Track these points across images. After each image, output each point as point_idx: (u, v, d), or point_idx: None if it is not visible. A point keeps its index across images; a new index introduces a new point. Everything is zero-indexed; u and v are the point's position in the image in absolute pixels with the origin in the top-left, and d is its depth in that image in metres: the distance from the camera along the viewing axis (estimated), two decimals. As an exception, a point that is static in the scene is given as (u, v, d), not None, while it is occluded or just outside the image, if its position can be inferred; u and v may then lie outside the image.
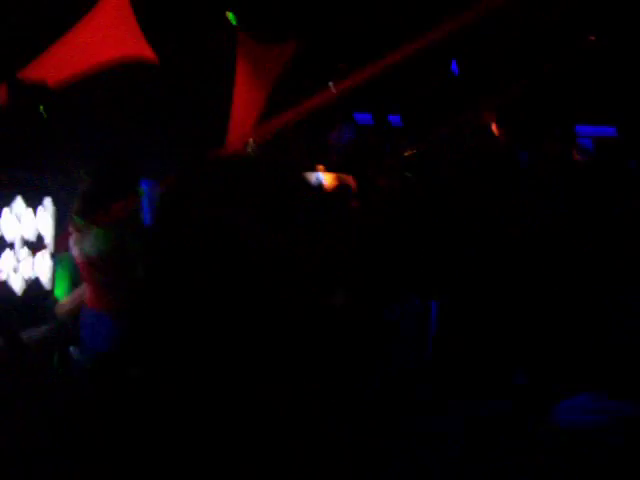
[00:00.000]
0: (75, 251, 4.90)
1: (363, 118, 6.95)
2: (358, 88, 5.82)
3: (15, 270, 5.37)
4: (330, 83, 5.96)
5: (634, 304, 4.09)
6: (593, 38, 5.48)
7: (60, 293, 5.70)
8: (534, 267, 4.43)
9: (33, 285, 5.71)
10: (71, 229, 5.24)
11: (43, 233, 5.85)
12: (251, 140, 6.30)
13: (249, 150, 6.14)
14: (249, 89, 6.97)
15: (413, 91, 6.49)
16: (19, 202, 5.59)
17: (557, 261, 4.42)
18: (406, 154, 6.07)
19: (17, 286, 5.57)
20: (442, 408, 4.10)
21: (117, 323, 4.41)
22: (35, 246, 5.70)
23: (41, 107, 6.36)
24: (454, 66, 6.09)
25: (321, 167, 6.40)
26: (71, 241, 4.97)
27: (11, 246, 5.50)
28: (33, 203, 5.73)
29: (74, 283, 5.67)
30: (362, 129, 6.79)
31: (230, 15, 7.24)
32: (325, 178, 6.04)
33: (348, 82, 5.73)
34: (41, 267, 5.83)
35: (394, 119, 6.71)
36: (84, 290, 4.96)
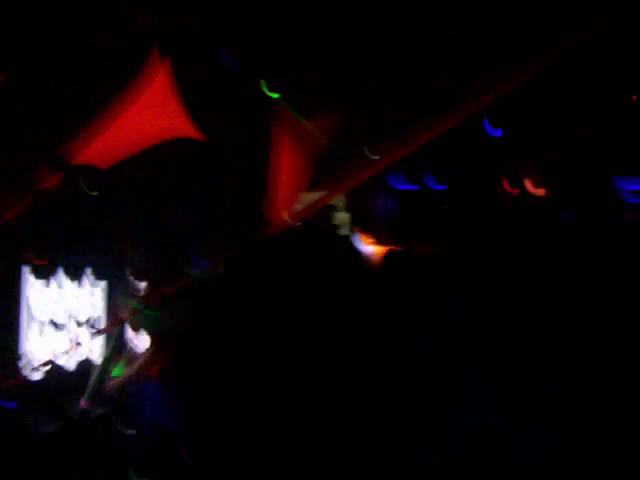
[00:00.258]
0: (131, 331, 4.97)
1: (400, 183, 6.99)
2: (398, 156, 5.87)
3: (70, 350, 5.46)
4: (366, 150, 6.02)
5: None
6: (635, 98, 5.47)
7: (114, 373, 5.76)
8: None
9: (87, 366, 5.79)
10: (126, 310, 5.35)
11: (96, 313, 5.95)
12: (296, 214, 6.37)
13: (294, 224, 6.21)
14: (293, 161, 7.07)
15: (452, 153, 6.51)
16: (73, 285, 5.71)
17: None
18: (447, 215, 6.07)
19: (71, 366, 5.66)
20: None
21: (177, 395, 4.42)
22: (88, 326, 5.80)
23: (90, 190, 6.52)
24: (489, 127, 6.11)
25: (362, 234, 6.43)
26: (127, 322, 5.04)
27: (66, 327, 5.61)
28: (86, 284, 5.85)
29: (124, 361, 5.74)
30: (401, 194, 6.82)
31: (268, 90, 7.38)
32: (365, 244, 6.07)
33: (389, 151, 5.79)
34: (93, 346, 5.92)
35: (431, 182, 6.74)
36: (142, 365, 4.96)
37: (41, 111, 6.72)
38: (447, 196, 6.06)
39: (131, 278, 5.16)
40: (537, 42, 4.79)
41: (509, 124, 5.70)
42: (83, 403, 5.20)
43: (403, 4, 6.39)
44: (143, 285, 5.02)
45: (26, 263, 5.53)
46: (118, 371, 5.86)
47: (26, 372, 5.17)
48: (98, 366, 5.16)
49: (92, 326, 5.90)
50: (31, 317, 5.32)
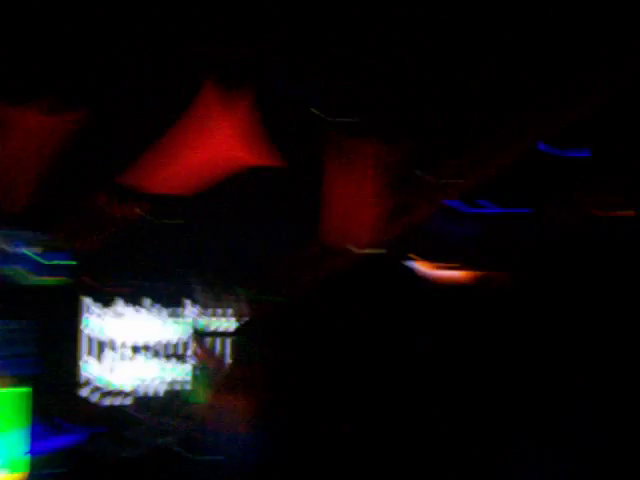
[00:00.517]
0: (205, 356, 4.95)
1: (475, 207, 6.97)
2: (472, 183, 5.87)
3: (155, 377, 5.47)
4: (432, 175, 6.02)
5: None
6: None
7: (193, 399, 5.76)
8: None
9: (172, 391, 5.79)
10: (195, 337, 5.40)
11: (163, 339, 5.97)
12: (361, 242, 6.37)
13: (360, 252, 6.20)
14: (356, 186, 7.08)
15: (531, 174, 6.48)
16: (143, 312, 5.73)
17: None
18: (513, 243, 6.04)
19: (152, 394, 5.67)
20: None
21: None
22: (172, 353, 5.81)
23: (159, 219, 6.56)
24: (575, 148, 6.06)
25: (421, 260, 6.41)
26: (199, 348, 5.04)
27: (140, 354, 5.62)
28: (157, 312, 5.87)
29: (210, 388, 5.74)
30: (480, 219, 6.80)
31: (328, 116, 7.42)
32: (422, 268, 6.05)
33: (462, 179, 5.80)
34: (179, 373, 5.94)
35: (511, 206, 6.71)
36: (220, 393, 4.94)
37: (110, 141, 6.79)
38: (530, 220, 6.01)
39: (200, 304, 5.16)
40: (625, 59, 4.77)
41: (595, 144, 5.67)
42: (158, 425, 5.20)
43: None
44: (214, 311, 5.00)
45: (93, 290, 5.56)
46: (196, 397, 5.86)
47: (95, 399, 5.17)
48: (178, 391, 5.14)
49: (159, 352, 5.91)
50: (98, 344, 5.34)
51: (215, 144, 7.11)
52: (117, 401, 5.40)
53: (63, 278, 5.57)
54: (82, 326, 5.41)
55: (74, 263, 6.32)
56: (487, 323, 4.51)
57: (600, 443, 3.95)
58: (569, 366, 4.28)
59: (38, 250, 4.85)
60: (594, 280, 4.63)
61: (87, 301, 5.42)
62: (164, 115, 6.69)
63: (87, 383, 5.36)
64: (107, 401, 5.34)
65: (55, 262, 5.13)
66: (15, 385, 3.99)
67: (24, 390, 3.99)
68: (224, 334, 4.71)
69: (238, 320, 4.78)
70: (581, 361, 4.27)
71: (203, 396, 5.52)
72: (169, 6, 6.70)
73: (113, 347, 5.54)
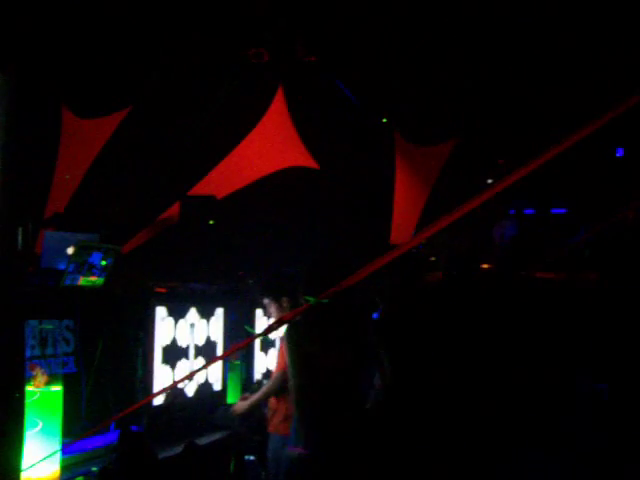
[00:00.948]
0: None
1: (526, 211, 6.83)
2: (519, 183, 5.74)
3: (190, 376, 5.53)
4: (489, 181, 5.92)
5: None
6: None
7: (233, 399, 5.81)
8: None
9: (207, 392, 5.87)
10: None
11: (215, 341, 6.05)
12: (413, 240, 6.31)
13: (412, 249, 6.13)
14: (410, 188, 7.04)
15: (576, 179, 6.33)
16: (193, 312, 5.81)
17: None
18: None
19: (192, 393, 5.74)
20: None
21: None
22: (208, 354, 5.88)
23: (211, 221, 6.66)
24: (619, 151, 5.89)
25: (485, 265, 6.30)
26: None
27: (186, 354, 5.70)
28: (206, 313, 5.95)
29: (245, 388, 5.80)
30: (525, 222, 6.66)
31: (384, 118, 7.37)
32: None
33: (509, 178, 5.67)
34: (214, 374, 6.01)
35: (558, 210, 6.55)
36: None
37: (159, 144, 6.94)
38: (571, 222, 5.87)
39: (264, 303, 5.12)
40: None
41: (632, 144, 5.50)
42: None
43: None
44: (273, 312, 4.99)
45: (148, 291, 5.66)
46: (231, 397, 5.91)
47: (147, 398, 5.26)
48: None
49: (209, 353, 5.98)
50: (152, 344, 5.42)
51: (281, 152, 7.17)
52: (168, 398, 5.48)
53: (131, 283, 5.65)
54: (140, 326, 5.48)
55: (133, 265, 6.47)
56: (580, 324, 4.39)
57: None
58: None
59: (103, 255, 4.94)
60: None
61: (144, 302, 5.50)
62: (211, 117, 6.81)
63: (142, 382, 5.43)
64: (159, 399, 5.42)
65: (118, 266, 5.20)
66: (59, 384, 4.08)
67: (58, 390, 4.08)
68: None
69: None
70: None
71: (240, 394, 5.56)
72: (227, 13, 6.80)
73: (182, 352, 5.65)
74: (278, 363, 4.85)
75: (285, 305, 4.84)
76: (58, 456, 4.02)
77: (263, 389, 5.03)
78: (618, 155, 6.73)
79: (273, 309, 4.91)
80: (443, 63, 6.72)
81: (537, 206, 6.78)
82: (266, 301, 4.95)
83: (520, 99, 6.45)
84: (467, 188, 6.80)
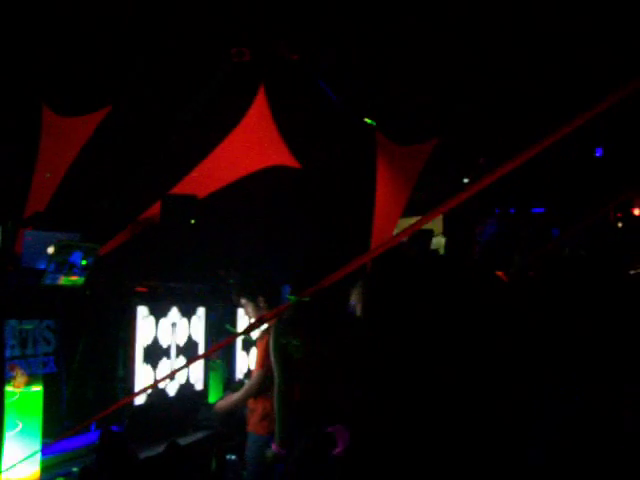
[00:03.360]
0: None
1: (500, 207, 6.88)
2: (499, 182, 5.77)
3: (171, 375, 5.52)
4: (466, 179, 5.95)
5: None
6: None
7: (214, 398, 5.81)
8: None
9: (188, 391, 5.86)
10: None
11: (197, 341, 6.04)
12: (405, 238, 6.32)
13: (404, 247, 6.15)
14: (391, 187, 7.05)
15: (555, 177, 6.37)
16: (174, 312, 5.80)
17: None
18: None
19: (173, 392, 5.73)
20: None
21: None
22: (190, 353, 5.87)
23: (192, 220, 6.66)
24: (599, 151, 5.94)
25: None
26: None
27: (167, 354, 5.69)
28: (187, 312, 5.94)
29: (226, 387, 5.79)
30: (506, 220, 6.69)
31: (368, 119, 7.38)
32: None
33: (488, 176, 5.70)
34: (195, 374, 6.00)
35: (538, 210, 6.59)
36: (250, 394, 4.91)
37: (139, 144, 6.92)
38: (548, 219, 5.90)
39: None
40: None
41: (614, 144, 5.54)
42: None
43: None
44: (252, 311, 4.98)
45: (129, 291, 5.64)
46: (213, 396, 5.91)
47: (128, 397, 5.24)
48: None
49: (191, 352, 5.97)
50: (133, 344, 5.40)
51: (262, 151, 7.15)
52: (148, 398, 5.47)
53: (112, 282, 5.64)
54: (120, 326, 5.47)
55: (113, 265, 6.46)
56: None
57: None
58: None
59: (84, 254, 4.92)
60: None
61: (126, 302, 5.48)
62: (192, 115, 6.80)
63: (122, 381, 5.41)
64: (139, 398, 5.40)
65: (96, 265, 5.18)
66: (39, 384, 4.06)
67: (38, 391, 4.06)
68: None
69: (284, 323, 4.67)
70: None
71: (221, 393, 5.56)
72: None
73: (163, 351, 5.63)
74: (257, 362, 4.85)
75: (262, 305, 4.85)
76: (38, 457, 4.00)
77: (244, 388, 5.02)
78: (597, 155, 6.78)
79: (250, 309, 4.91)
80: (425, 63, 6.75)
81: (517, 205, 6.83)
82: (243, 301, 4.95)
83: (502, 98, 6.49)
84: (447, 187, 6.83)
